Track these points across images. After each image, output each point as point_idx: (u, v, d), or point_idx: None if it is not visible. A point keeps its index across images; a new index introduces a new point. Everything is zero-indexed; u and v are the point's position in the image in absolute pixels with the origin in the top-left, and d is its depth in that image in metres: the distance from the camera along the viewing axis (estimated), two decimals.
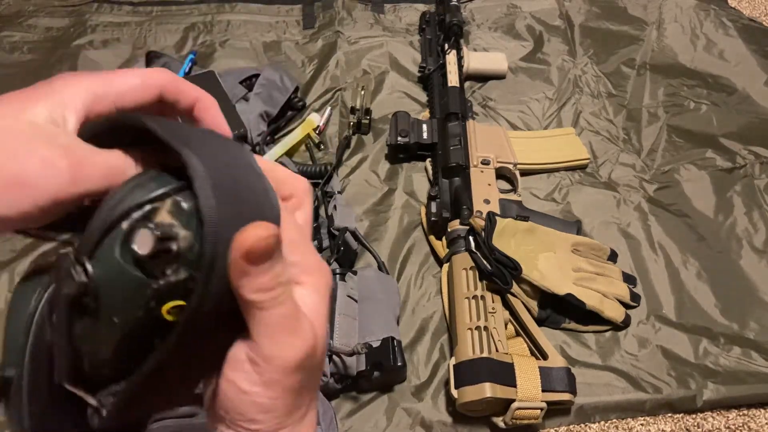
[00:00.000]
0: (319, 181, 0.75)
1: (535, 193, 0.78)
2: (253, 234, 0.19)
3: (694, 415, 0.62)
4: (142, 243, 0.20)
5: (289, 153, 0.80)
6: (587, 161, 0.81)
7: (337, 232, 0.69)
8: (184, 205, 0.20)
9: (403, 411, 0.61)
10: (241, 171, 0.21)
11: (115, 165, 0.22)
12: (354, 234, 0.70)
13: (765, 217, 0.75)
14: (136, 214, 0.20)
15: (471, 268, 0.64)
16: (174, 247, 0.20)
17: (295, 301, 0.21)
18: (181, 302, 0.20)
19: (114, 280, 0.20)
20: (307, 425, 0.23)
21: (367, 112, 0.84)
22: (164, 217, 0.20)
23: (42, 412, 0.21)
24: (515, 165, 0.78)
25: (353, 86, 0.88)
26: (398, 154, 0.81)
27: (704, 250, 0.73)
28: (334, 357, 0.57)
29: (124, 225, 0.20)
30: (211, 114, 0.27)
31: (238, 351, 0.21)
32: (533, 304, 0.64)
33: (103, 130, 0.23)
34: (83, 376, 0.21)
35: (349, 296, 0.62)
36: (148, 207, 0.20)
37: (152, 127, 0.20)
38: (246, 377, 0.21)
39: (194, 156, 0.19)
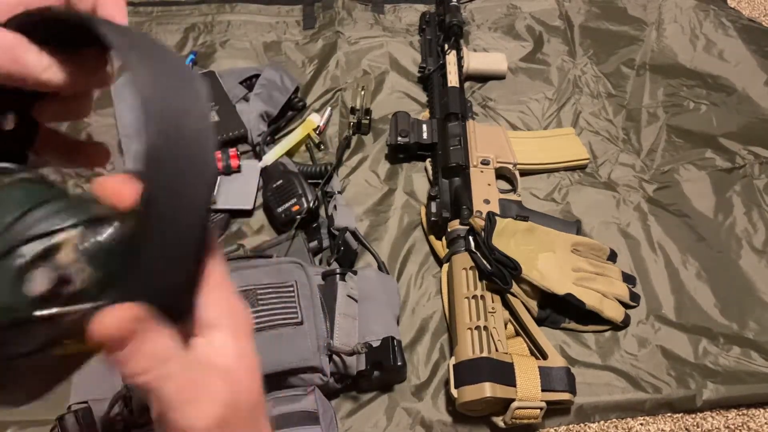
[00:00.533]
0: (319, 181, 0.75)
1: (534, 193, 0.79)
2: (101, 325, 0.18)
3: (693, 415, 0.63)
4: (38, 282, 0.18)
5: (289, 153, 0.80)
6: (587, 161, 0.81)
7: (337, 232, 0.69)
8: (93, 239, 0.19)
9: (403, 411, 0.61)
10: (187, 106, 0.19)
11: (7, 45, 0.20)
12: (354, 234, 0.70)
13: (764, 217, 0.75)
14: (38, 247, 0.18)
15: (471, 268, 0.65)
16: (70, 289, 0.19)
17: (189, 365, 0.20)
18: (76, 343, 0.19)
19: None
20: None
21: (367, 112, 0.84)
22: (67, 254, 0.19)
23: None
24: (515, 165, 0.78)
25: (353, 86, 0.89)
26: (398, 154, 0.81)
27: (704, 250, 0.73)
28: (334, 357, 0.58)
29: (23, 257, 0.18)
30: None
31: (155, 427, 0.21)
32: (533, 304, 0.64)
33: (36, 23, 0.21)
34: None
35: (349, 296, 0.62)
36: (52, 240, 0.19)
37: (109, 37, 0.19)
38: None
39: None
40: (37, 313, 0.18)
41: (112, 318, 0.19)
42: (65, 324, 0.19)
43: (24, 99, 0.21)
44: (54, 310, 0.19)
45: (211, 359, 0.21)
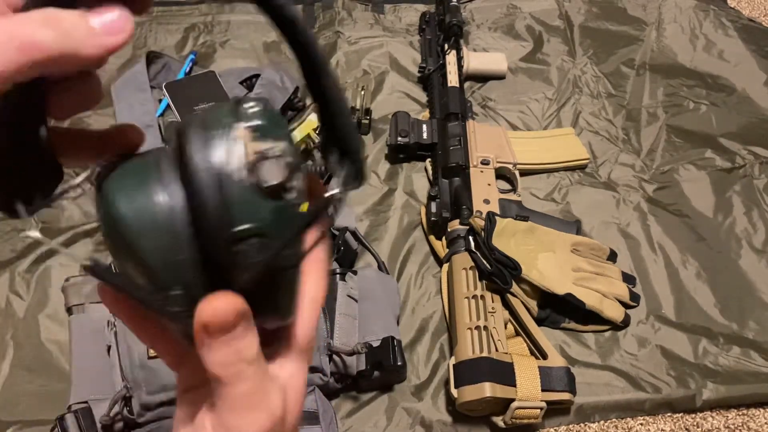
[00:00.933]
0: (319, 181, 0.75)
1: (534, 193, 0.79)
2: (210, 307, 0.19)
3: (693, 415, 0.63)
4: (272, 173, 0.19)
5: None
6: (587, 161, 0.81)
7: (337, 232, 0.69)
8: (261, 121, 0.20)
9: (403, 410, 0.61)
10: None
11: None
12: (354, 234, 0.70)
13: (764, 217, 0.76)
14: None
15: (471, 268, 0.65)
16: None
17: (261, 374, 0.21)
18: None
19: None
20: None
21: (367, 112, 0.84)
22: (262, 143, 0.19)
23: None
24: (515, 165, 0.78)
25: (353, 86, 0.88)
26: (398, 154, 0.81)
27: (704, 250, 0.73)
28: (335, 356, 0.58)
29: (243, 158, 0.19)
30: None
31: (203, 418, 0.21)
32: (533, 304, 0.64)
33: None
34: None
35: (349, 296, 0.62)
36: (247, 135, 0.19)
37: None
38: None
39: None
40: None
41: (223, 303, 0.19)
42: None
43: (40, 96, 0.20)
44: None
45: (274, 372, 0.22)
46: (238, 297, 0.19)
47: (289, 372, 0.22)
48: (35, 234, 0.23)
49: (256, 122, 0.20)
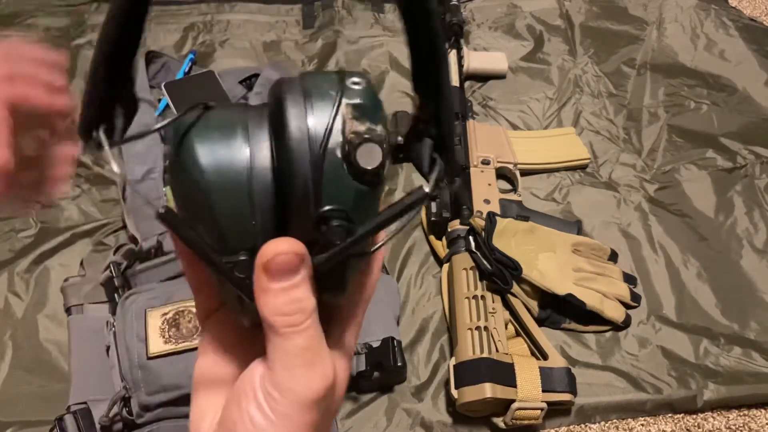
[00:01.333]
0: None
1: (535, 193, 0.78)
2: (274, 248, 0.19)
3: (694, 416, 0.62)
4: (369, 158, 0.19)
5: None
6: (587, 161, 0.81)
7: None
8: (359, 101, 0.19)
9: (403, 411, 0.61)
10: None
11: None
12: None
13: (765, 217, 0.75)
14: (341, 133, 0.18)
15: (471, 268, 0.64)
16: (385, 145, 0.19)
17: (318, 333, 0.20)
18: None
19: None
20: None
21: None
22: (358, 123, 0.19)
23: None
24: (515, 165, 0.77)
25: None
26: (398, 154, 0.81)
27: (705, 250, 0.73)
28: None
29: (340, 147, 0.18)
30: None
31: (254, 376, 0.20)
32: (533, 304, 0.64)
33: None
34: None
35: None
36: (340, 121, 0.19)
37: None
38: (257, 408, 0.20)
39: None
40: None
41: (287, 245, 0.19)
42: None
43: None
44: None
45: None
46: (301, 243, 0.19)
47: (336, 355, 0.22)
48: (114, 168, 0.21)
49: (359, 101, 0.19)
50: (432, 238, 0.72)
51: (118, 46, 0.19)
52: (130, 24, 0.19)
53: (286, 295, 0.19)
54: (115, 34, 0.18)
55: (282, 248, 0.19)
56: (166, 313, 0.57)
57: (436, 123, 0.21)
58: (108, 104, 0.20)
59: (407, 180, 0.79)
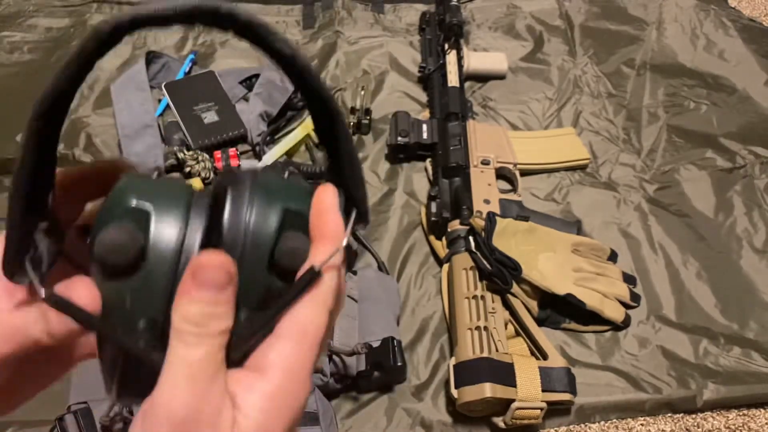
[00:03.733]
0: (320, 181, 0.75)
1: (535, 193, 0.78)
2: (209, 258, 0.19)
3: (694, 416, 0.62)
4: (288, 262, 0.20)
5: (289, 153, 0.80)
6: (587, 161, 0.81)
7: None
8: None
9: (403, 411, 0.61)
10: None
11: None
12: (354, 234, 0.70)
13: (765, 217, 0.75)
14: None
15: (471, 269, 0.64)
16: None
17: (219, 359, 0.19)
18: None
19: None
20: None
21: (367, 112, 0.84)
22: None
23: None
24: (515, 165, 0.78)
25: (353, 86, 0.88)
26: (398, 154, 0.81)
27: (704, 250, 0.73)
28: (334, 357, 0.58)
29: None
30: None
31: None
32: (533, 304, 0.64)
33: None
34: None
35: (349, 296, 0.62)
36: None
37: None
38: (135, 423, 0.19)
39: None
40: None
41: (225, 259, 0.19)
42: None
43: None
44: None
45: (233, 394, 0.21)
46: (234, 266, 0.19)
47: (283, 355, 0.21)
48: None
49: (299, 207, 0.21)
50: (432, 238, 0.73)
51: (29, 187, 0.19)
52: (37, 170, 0.19)
53: (203, 306, 0.19)
54: (25, 180, 0.19)
55: (216, 261, 0.19)
56: None
57: (342, 175, 0.23)
58: (27, 239, 0.20)
59: (407, 180, 0.80)
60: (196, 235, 0.20)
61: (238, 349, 0.20)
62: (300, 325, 0.20)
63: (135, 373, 0.20)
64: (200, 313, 0.19)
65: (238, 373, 0.20)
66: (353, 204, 0.24)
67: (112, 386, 0.20)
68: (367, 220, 0.24)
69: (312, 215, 0.22)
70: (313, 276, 0.20)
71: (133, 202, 0.20)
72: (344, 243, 0.22)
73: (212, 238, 0.20)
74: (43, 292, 0.19)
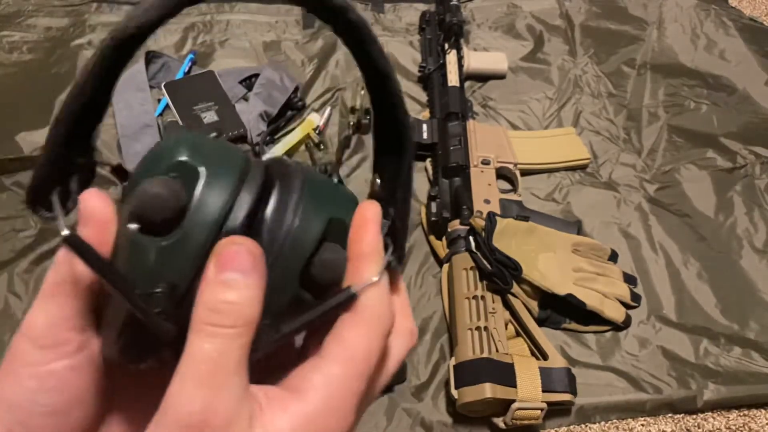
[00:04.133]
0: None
1: (535, 193, 0.78)
2: (233, 238, 0.18)
3: (694, 416, 0.62)
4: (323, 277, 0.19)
5: (289, 153, 0.80)
6: (588, 161, 0.81)
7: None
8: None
9: (403, 411, 0.61)
10: None
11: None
12: None
13: (765, 217, 0.75)
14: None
15: (471, 269, 0.64)
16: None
17: (239, 355, 0.17)
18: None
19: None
20: None
21: (367, 112, 0.84)
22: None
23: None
24: (515, 165, 0.77)
25: (353, 86, 0.88)
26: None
27: (705, 250, 0.73)
28: None
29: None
30: None
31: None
32: (533, 305, 0.64)
33: None
34: None
35: None
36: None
37: None
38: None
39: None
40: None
41: (251, 243, 0.18)
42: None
43: None
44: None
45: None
46: (260, 249, 0.18)
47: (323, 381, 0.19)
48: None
49: (343, 217, 0.20)
50: (432, 238, 0.72)
51: (89, 106, 0.18)
52: (105, 83, 0.18)
53: (227, 291, 0.17)
54: (89, 93, 0.18)
55: (240, 240, 0.18)
56: None
57: (393, 204, 0.21)
58: (65, 167, 0.19)
59: None
60: (240, 213, 0.18)
61: (254, 355, 0.18)
62: (348, 350, 0.18)
63: (140, 339, 0.18)
64: (221, 299, 0.17)
65: (273, 390, 0.18)
66: (393, 235, 0.21)
67: (114, 344, 0.19)
68: (402, 257, 0.22)
69: (352, 229, 0.20)
70: (351, 296, 0.19)
71: (184, 157, 0.18)
72: (383, 266, 0.20)
73: (253, 224, 0.18)
74: (65, 230, 0.17)
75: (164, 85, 0.83)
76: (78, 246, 0.17)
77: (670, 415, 0.62)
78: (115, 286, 0.17)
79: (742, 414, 0.63)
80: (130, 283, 0.17)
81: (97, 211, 0.19)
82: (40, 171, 0.18)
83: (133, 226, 0.18)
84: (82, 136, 0.19)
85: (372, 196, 0.22)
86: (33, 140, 0.79)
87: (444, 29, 0.90)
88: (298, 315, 0.19)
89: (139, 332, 0.18)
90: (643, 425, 0.62)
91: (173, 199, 0.17)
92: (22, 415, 0.19)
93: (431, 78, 0.87)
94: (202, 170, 0.18)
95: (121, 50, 0.18)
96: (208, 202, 0.18)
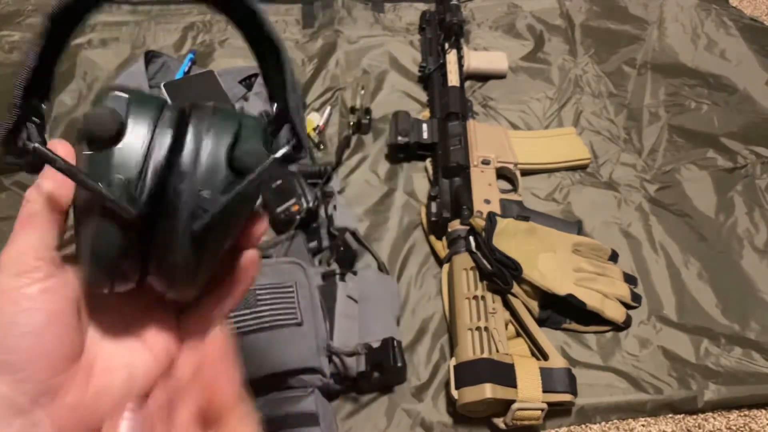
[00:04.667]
0: (319, 181, 0.75)
1: (535, 193, 0.78)
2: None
3: (695, 416, 0.62)
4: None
5: None
6: (588, 161, 0.81)
7: (337, 233, 0.69)
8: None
9: (403, 412, 0.61)
10: None
11: None
12: (354, 234, 0.70)
13: (766, 217, 0.75)
14: None
15: (471, 269, 0.64)
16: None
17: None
18: None
19: None
20: None
21: (367, 111, 0.84)
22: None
23: None
24: (516, 165, 0.77)
25: (353, 86, 0.88)
26: (398, 154, 0.81)
27: (705, 250, 0.73)
28: (334, 358, 0.57)
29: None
30: None
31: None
32: (534, 305, 0.63)
33: None
34: None
35: (349, 296, 0.61)
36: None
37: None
38: None
39: None
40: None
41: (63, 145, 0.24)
42: None
43: None
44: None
45: None
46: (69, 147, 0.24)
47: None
48: None
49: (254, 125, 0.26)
50: (432, 238, 0.72)
51: (36, 64, 0.24)
52: (44, 54, 0.24)
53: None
54: (34, 57, 0.24)
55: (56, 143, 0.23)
56: None
57: (286, 108, 0.27)
58: (29, 113, 0.24)
59: (407, 180, 0.79)
60: (168, 118, 0.24)
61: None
62: None
63: (108, 263, 0.23)
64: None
65: None
66: (291, 123, 0.27)
67: (87, 270, 0.24)
68: (301, 149, 0.27)
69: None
70: (271, 161, 0.25)
71: (115, 93, 0.24)
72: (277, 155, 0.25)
73: (180, 133, 0.24)
74: (35, 144, 0.22)
75: (164, 85, 0.83)
76: (46, 155, 0.22)
77: (670, 415, 0.62)
78: (81, 182, 0.22)
79: (742, 414, 0.63)
80: (92, 180, 0.22)
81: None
82: (11, 110, 0.23)
83: (86, 147, 0.23)
84: (41, 84, 0.24)
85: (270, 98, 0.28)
86: None
87: (444, 29, 0.90)
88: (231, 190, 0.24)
89: (106, 256, 0.23)
90: (643, 425, 0.62)
91: (113, 117, 0.23)
92: (2, 336, 0.23)
93: (431, 78, 0.87)
94: (128, 97, 0.24)
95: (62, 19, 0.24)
96: (140, 116, 0.23)
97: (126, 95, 0.23)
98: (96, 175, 0.22)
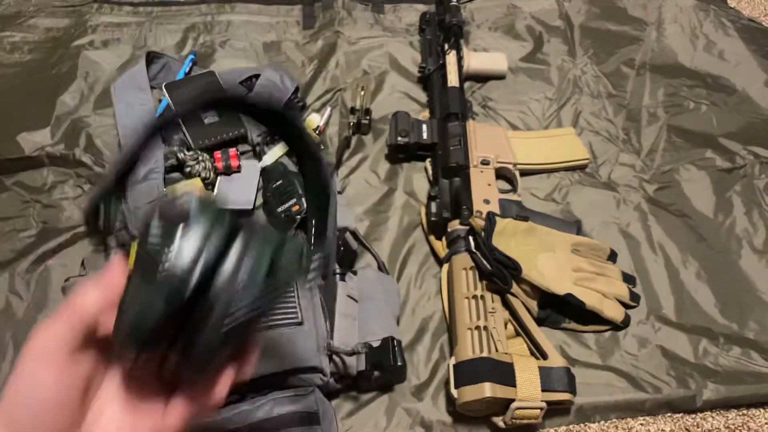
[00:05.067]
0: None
1: (534, 193, 0.78)
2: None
3: (693, 415, 0.62)
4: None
5: (290, 153, 0.80)
6: (587, 161, 0.81)
7: (337, 232, 0.69)
8: None
9: (403, 411, 0.61)
10: None
11: None
12: (354, 234, 0.70)
13: (765, 217, 0.75)
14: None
15: (471, 268, 0.64)
16: None
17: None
18: None
19: None
20: None
21: (367, 112, 0.84)
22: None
23: None
24: (515, 165, 0.78)
25: (353, 87, 0.88)
26: (398, 154, 0.81)
27: (704, 250, 0.73)
28: (334, 357, 0.58)
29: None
30: None
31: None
32: (533, 304, 0.64)
33: None
34: None
35: (349, 296, 0.62)
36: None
37: None
38: None
39: None
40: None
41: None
42: None
43: None
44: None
45: None
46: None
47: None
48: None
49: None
50: (432, 238, 0.73)
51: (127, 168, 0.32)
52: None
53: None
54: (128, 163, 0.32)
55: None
56: None
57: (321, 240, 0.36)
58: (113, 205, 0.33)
59: (407, 180, 0.80)
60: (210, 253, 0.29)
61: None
62: None
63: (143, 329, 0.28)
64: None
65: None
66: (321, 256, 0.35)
67: (121, 331, 0.28)
68: (327, 275, 0.32)
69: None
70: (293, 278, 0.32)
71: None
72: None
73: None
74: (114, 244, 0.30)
75: (165, 86, 0.84)
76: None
77: (669, 414, 0.63)
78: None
79: (741, 413, 0.63)
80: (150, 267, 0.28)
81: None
82: (95, 202, 0.31)
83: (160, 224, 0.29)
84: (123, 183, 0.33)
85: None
86: (34, 140, 0.79)
87: (444, 30, 0.90)
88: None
89: (145, 326, 0.28)
90: (642, 425, 0.62)
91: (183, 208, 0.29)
92: (16, 411, 0.28)
93: (431, 78, 0.88)
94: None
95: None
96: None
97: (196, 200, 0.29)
98: (153, 263, 0.27)
